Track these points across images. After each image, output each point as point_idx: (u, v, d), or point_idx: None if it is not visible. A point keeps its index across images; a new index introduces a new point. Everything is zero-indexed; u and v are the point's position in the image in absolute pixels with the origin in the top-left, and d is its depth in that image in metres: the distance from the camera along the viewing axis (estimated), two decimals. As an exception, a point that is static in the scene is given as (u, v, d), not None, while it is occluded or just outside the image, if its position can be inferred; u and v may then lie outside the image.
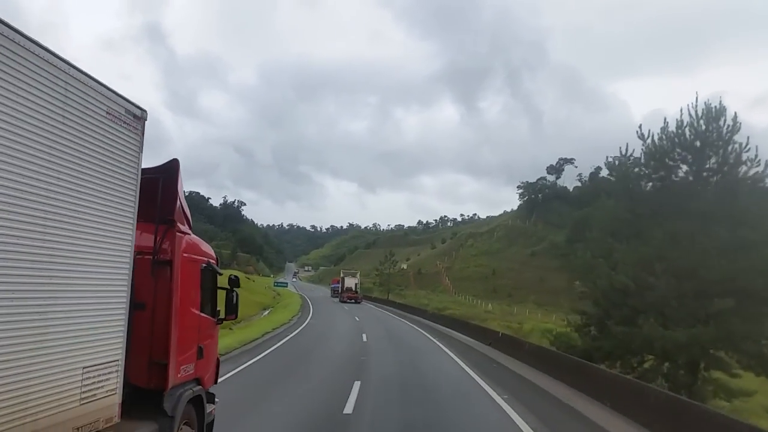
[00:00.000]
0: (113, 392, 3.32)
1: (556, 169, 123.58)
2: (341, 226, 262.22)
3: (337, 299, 50.45)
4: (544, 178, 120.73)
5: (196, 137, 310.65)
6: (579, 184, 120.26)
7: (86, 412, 3.03)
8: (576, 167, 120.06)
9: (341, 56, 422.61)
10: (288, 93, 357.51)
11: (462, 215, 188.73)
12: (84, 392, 3.02)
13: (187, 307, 4.59)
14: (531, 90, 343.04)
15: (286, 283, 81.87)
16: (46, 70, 2.72)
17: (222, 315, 5.54)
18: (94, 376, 3.10)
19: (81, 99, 3.00)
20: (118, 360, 3.38)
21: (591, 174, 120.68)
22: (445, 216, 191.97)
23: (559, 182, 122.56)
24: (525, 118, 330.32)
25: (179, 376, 4.46)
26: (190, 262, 4.67)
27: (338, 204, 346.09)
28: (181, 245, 4.46)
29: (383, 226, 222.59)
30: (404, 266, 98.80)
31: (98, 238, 3.16)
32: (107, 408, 3.25)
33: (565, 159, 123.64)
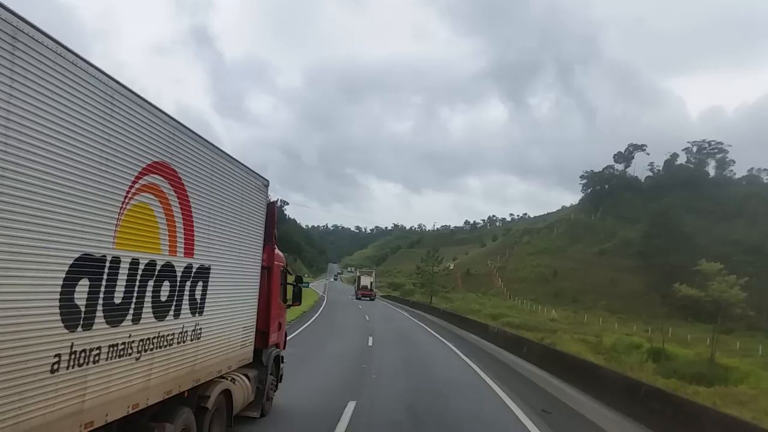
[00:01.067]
0: (251, 344, 6.41)
1: (625, 157, 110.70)
2: (386, 227, 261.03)
3: (365, 300, 53.37)
4: (611, 167, 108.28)
5: (243, 140, 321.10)
6: (650, 173, 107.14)
7: (242, 353, 6.06)
8: (648, 154, 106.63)
9: (386, 56, 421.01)
10: (334, 95, 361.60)
11: (512, 215, 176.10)
12: (243, 342, 6.08)
13: (276, 297, 7.49)
14: (583, 86, 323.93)
15: (308, 284, 76.39)
16: (243, 176, 5.78)
17: (290, 302, 8.61)
18: (247, 334, 6.22)
19: (252, 182, 6.16)
20: (253, 326, 6.49)
21: (666, 162, 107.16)
22: (494, 216, 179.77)
23: (629, 171, 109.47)
24: (577, 116, 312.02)
25: (271, 341, 7.32)
26: (277, 267, 7.55)
27: (383, 205, 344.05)
28: (274, 257, 7.23)
29: (428, 227, 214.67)
30: (450, 265, 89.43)
31: (256, 259, 6.41)
32: (248, 352, 6.32)
33: (635, 145, 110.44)
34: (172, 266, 4.16)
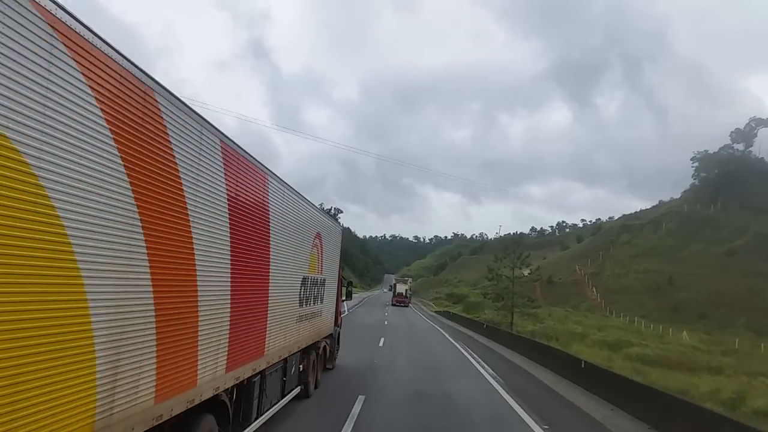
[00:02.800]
0: (332, 323, 11.65)
1: (745, 135, 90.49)
2: (445, 237, 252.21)
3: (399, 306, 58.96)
4: (729, 147, 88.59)
5: (301, 152, 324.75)
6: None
7: (329, 327, 11.28)
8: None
9: (442, 63, 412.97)
10: (390, 105, 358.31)
11: (583, 220, 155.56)
12: (330, 321, 11.42)
13: (339, 296, 12.73)
14: (653, 84, 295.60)
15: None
16: (336, 227, 11.87)
17: (344, 298, 14.30)
18: (332, 317, 11.67)
19: (337, 229, 11.89)
20: (334, 312, 11.98)
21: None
22: (563, 221, 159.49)
23: (753, 151, 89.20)
24: (647, 116, 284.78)
25: (337, 322, 12.36)
26: (340, 278, 12.86)
27: (442, 215, 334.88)
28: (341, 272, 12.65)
29: (490, 235, 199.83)
30: (525, 272, 74.70)
31: (336, 274, 11.95)
32: (332, 327, 11.63)
33: (760, 120, 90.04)
34: (318, 280, 9.48)
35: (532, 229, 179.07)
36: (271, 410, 7.00)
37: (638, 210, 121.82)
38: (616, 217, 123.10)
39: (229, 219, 4.82)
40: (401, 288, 61.24)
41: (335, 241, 11.15)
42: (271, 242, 6.23)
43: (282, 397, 7.73)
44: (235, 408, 5.57)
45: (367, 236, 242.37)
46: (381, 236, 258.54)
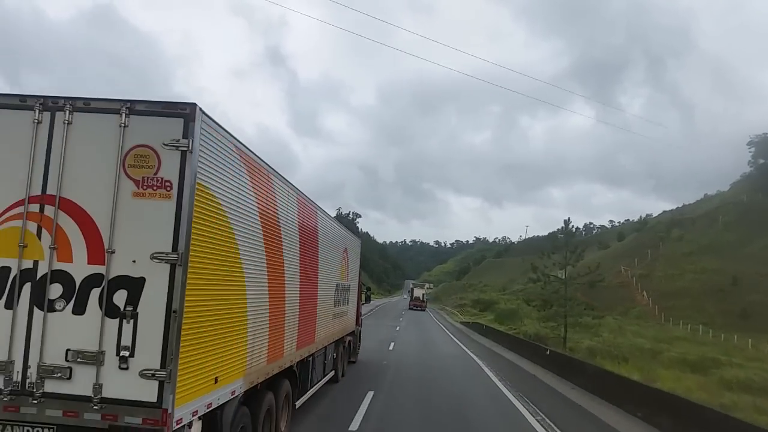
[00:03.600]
0: (354, 322, 14.30)
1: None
2: (467, 241, 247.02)
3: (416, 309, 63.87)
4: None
5: (321, 157, 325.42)
6: None
7: (352, 325, 13.83)
8: None
9: (460, 65, 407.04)
10: (408, 110, 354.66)
11: (611, 221, 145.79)
12: (352, 320, 13.90)
13: (360, 300, 15.64)
14: (678, 83, 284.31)
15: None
16: (357, 240, 14.43)
17: (364, 301, 17.40)
18: (354, 317, 14.18)
19: (357, 242, 14.47)
20: (356, 313, 14.85)
21: None
22: (590, 223, 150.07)
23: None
24: (673, 115, 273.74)
25: (357, 322, 15.09)
26: (360, 283, 15.65)
27: (463, 219, 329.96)
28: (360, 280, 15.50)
29: (513, 239, 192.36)
30: (560, 275, 66.07)
31: (357, 280, 14.68)
32: (353, 325, 14.21)
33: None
34: (345, 285, 11.59)
35: (559, 230, 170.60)
36: (319, 383, 9.90)
37: (678, 206, 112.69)
38: (655, 214, 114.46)
39: (300, 248, 7.35)
40: (418, 293, 69.73)
41: (356, 253, 13.91)
42: (319, 259, 8.78)
43: (323, 376, 10.50)
44: (299, 378, 7.95)
45: (387, 242, 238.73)
46: (401, 241, 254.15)
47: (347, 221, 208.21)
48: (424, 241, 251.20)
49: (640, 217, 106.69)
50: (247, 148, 5.06)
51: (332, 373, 11.33)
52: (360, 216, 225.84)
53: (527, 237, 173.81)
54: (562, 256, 27.37)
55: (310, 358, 8.76)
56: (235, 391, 5.07)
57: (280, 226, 6.35)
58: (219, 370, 4.64)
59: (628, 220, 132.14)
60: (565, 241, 28.39)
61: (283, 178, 6.41)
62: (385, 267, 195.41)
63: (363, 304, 16.99)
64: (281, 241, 6.42)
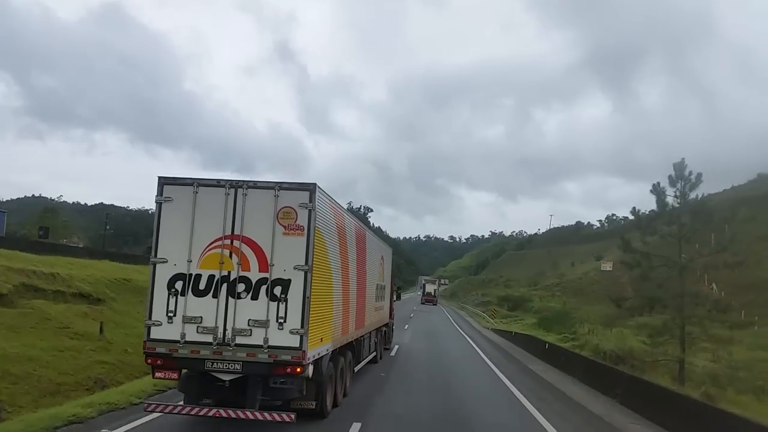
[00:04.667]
0: (388, 314, 18.42)
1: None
2: (482, 236, 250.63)
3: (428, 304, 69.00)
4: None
5: (333, 153, 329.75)
6: None
7: (387, 317, 17.87)
8: None
9: (472, 58, 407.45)
10: (420, 105, 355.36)
11: (634, 210, 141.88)
12: (387, 313, 18.24)
13: (392, 297, 19.98)
14: (696, 72, 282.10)
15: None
16: (388, 248, 18.48)
17: (395, 298, 22.07)
18: (389, 310, 18.64)
19: (389, 249, 18.44)
20: (389, 306, 18.83)
21: None
22: (613, 214, 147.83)
23: None
24: (692, 105, 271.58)
25: (390, 316, 19.22)
26: (392, 284, 19.96)
27: (477, 214, 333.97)
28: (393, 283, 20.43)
29: (530, 232, 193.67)
30: (608, 267, 60.69)
31: (389, 280, 18.43)
32: (387, 317, 18.13)
33: None
34: (382, 285, 15.98)
35: (578, 223, 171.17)
36: (366, 359, 13.89)
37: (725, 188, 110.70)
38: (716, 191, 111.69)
39: (356, 258, 11.22)
40: (430, 288, 77.43)
41: (389, 258, 18.14)
42: (366, 266, 12.53)
43: (369, 354, 14.33)
44: (356, 350, 11.97)
45: (401, 237, 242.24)
46: (415, 237, 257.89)
47: (358, 215, 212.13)
48: (438, 236, 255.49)
49: (697, 196, 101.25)
50: (332, 200, 8.83)
51: (374, 353, 15.34)
52: (372, 210, 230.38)
53: (551, 227, 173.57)
54: (672, 227, 17.13)
55: (362, 338, 12.71)
56: (328, 349, 8.79)
57: (347, 245, 10.12)
58: (322, 334, 8.38)
59: (653, 210, 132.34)
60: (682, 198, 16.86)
61: (348, 212, 10.36)
62: (398, 263, 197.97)
63: (395, 301, 21.15)
64: (347, 255, 10.19)
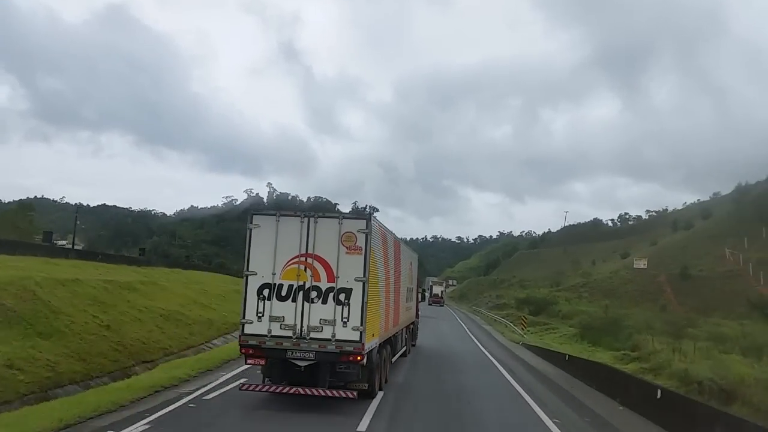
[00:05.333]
0: (415, 314, 21.52)
1: None
2: (490, 236, 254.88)
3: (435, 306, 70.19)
4: None
5: (339, 156, 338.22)
6: None
7: (413, 316, 20.97)
8: None
9: (478, 58, 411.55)
10: (426, 105, 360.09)
11: (648, 211, 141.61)
12: (414, 312, 21.19)
13: (418, 299, 23.92)
14: (706, 69, 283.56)
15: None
16: (412, 257, 20.24)
17: (420, 299, 26.64)
18: (416, 310, 21.90)
19: (414, 258, 20.90)
20: (416, 306, 22.24)
21: None
22: (625, 213, 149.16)
23: None
24: (703, 103, 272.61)
25: (416, 315, 22.35)
26: (418, 285, 24.82)
27: (484, 215, 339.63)
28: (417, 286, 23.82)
29: (539, 232, 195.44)
30: (641, 264, 59.81)
31: (415, 287, 21.93)
32: (414, 316, 21.25)
33: None
34: (411, 288, 19.35)
35: (595, 220, 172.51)
36: (399, 352, 16.93)
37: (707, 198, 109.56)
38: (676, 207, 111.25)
39: (394, 266, 14.13)
40: (437, 290, 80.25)
41: (416, 263, 21.29)
42: (401, 272, 15.70)
43: (401, 349, 17.41)
44: (392, 345, 14.81)
45: (408, 238, 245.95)
46: (422, 238, 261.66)
47: (362, 215, 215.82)
48: (445, 237, 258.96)
49: (739, 183, 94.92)
50: (381, 224, 11.67)
51: (405, 347, 18.44)
52: (377, 210, 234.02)
53: (566, 225, 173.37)
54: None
55: (397, 334, 15.81)
56: (377, 342, 11.55)
57: (389, 258, 12.98)
58: (373, 330, 11.15)
59: (665, 209, 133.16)
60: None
61: (389, 230, 13.23)
62: None
63: (420, 302, 25.41)
64: (389, 266, 13.04)
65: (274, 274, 10.41)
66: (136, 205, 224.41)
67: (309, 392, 10.26)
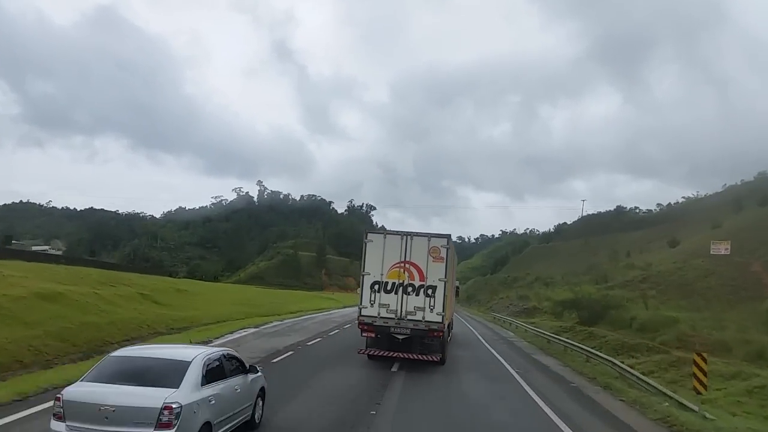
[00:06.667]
0: (452, 315, 24.98)
1: None
2: (492, 235, 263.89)
3: None
4: None
5: (336, 157, 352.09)
6: None
7: (452, 315, 24.71)
8: None
9: (474, 55, 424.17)
10: (424, 106, 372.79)
11: (659, 204, 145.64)
12: (452, 312, 24.85)
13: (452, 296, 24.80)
14: (708, 62, 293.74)
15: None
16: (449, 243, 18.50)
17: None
18: (442, 310, 17.23)
19: (447, 242, 17.62)
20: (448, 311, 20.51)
21: None
22: (636, 207, 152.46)
23: None
24: (704, 97, 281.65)
25: (447, 316, 19.24)
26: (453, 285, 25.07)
27: (484, 215, 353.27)
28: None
29: (541, 231, 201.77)
30: (722, 249, 39.90)
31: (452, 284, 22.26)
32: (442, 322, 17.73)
33: None
34: (455, 285, 30.23)
35: (619, 208, 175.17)
36: (450, 336, 22.81)
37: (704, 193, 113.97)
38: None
39: (452, 270, 20.52)
40: None
41: (455, 261, 24.16)
42: (454, 273, 22.60)
43: (450, 334, 22.96)
44: (449, 328, 22.29)
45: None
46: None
47: (360, 214, 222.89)
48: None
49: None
50: (450, 238, 17.84)
51: (451, 334, 24.22)
52: (375, 208, 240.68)
53: (584, 215, 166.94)
54: None
55: (451, 321, 22.40)
56: (447, 325, 18.04)
57: (453, 264, 19.72)
58: (447, 316, 17.69)
59: (660, 204, 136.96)
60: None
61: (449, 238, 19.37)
62: None
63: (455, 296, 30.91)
64: (453, 270, 19.67)
65: (382, 274, 16.81)
66: (129, 209, 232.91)
67: (405, 356, 16.70)
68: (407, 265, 16.69)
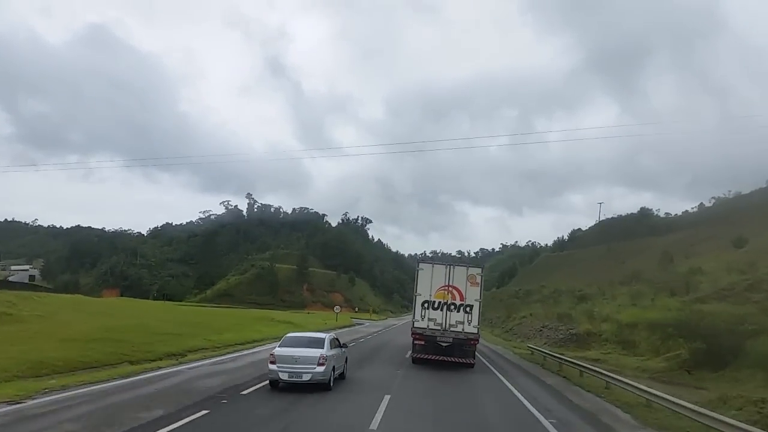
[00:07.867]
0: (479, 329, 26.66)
1: None
2: (492, 249, 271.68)
3: None
4: None
5: (333, 173, 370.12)
6: None
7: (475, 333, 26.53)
8: None
9: (469, 70, 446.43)
10: (419, 122, 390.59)
11: (667, 213, 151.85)
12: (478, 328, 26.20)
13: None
14: (704, 70, 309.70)
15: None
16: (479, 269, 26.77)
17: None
18: (477, 324, 25.35)
19: (479, 271, 26.02)
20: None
21: None
22: (646, 206, 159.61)
23: None
24: (699, 108, 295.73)
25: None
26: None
27: (482, 230, 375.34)
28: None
29: (543, 243, 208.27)
30: None
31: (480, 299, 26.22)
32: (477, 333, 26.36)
33: None
34: (473, 304, 25.13)
35: (643, 210, 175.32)
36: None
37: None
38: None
39: (480, 291, 26.66)
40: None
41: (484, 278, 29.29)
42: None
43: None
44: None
45: (407, 254, 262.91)
46: (421, 253, 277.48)
47: (355, 227, 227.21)
48: (445, 252, 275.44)
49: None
50: (484, 267, 25.36)
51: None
52: (370, 221, 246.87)
53: (601, 219, 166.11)
54: None
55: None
56: (480, 336, 25.12)
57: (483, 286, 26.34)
58: (481, 328, 24.33)
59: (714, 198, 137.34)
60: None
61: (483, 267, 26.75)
62: (400, 278, 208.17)
63: None
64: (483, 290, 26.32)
65: (430, 295, 23.72)
66: (117, 227, 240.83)
67: (448, 359, 23.57)
68: (450, 288, 23.61)
